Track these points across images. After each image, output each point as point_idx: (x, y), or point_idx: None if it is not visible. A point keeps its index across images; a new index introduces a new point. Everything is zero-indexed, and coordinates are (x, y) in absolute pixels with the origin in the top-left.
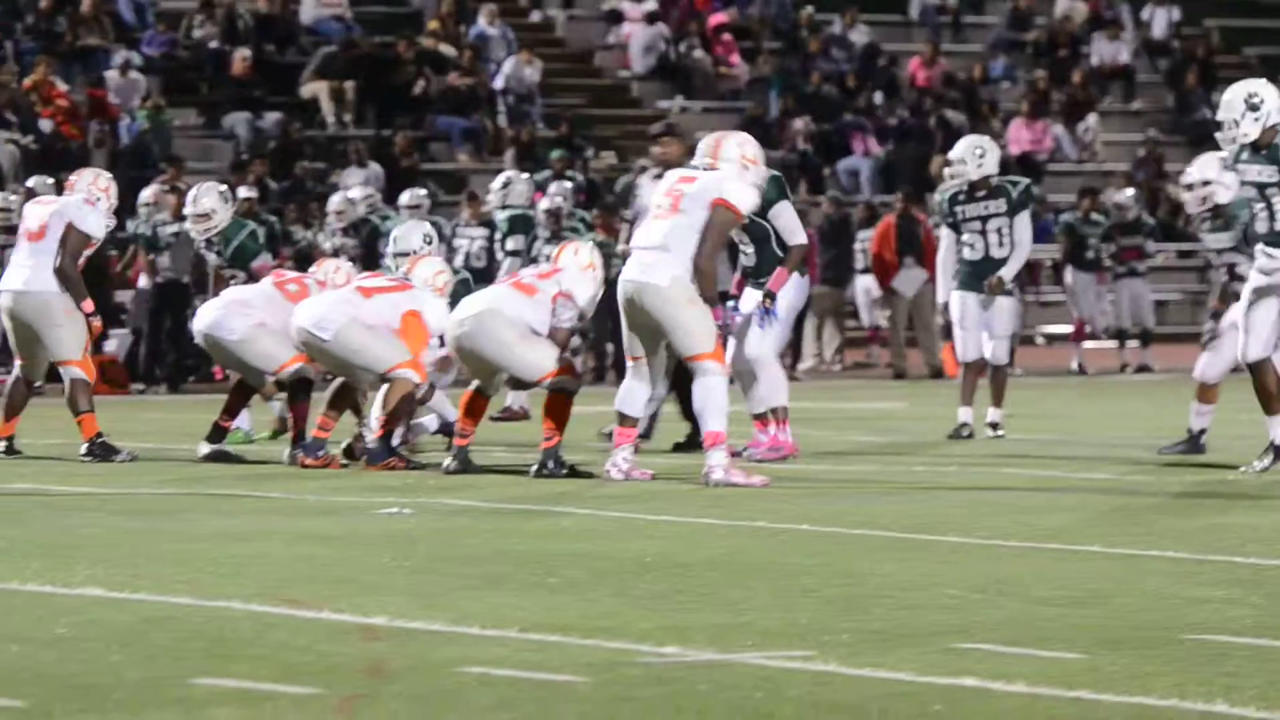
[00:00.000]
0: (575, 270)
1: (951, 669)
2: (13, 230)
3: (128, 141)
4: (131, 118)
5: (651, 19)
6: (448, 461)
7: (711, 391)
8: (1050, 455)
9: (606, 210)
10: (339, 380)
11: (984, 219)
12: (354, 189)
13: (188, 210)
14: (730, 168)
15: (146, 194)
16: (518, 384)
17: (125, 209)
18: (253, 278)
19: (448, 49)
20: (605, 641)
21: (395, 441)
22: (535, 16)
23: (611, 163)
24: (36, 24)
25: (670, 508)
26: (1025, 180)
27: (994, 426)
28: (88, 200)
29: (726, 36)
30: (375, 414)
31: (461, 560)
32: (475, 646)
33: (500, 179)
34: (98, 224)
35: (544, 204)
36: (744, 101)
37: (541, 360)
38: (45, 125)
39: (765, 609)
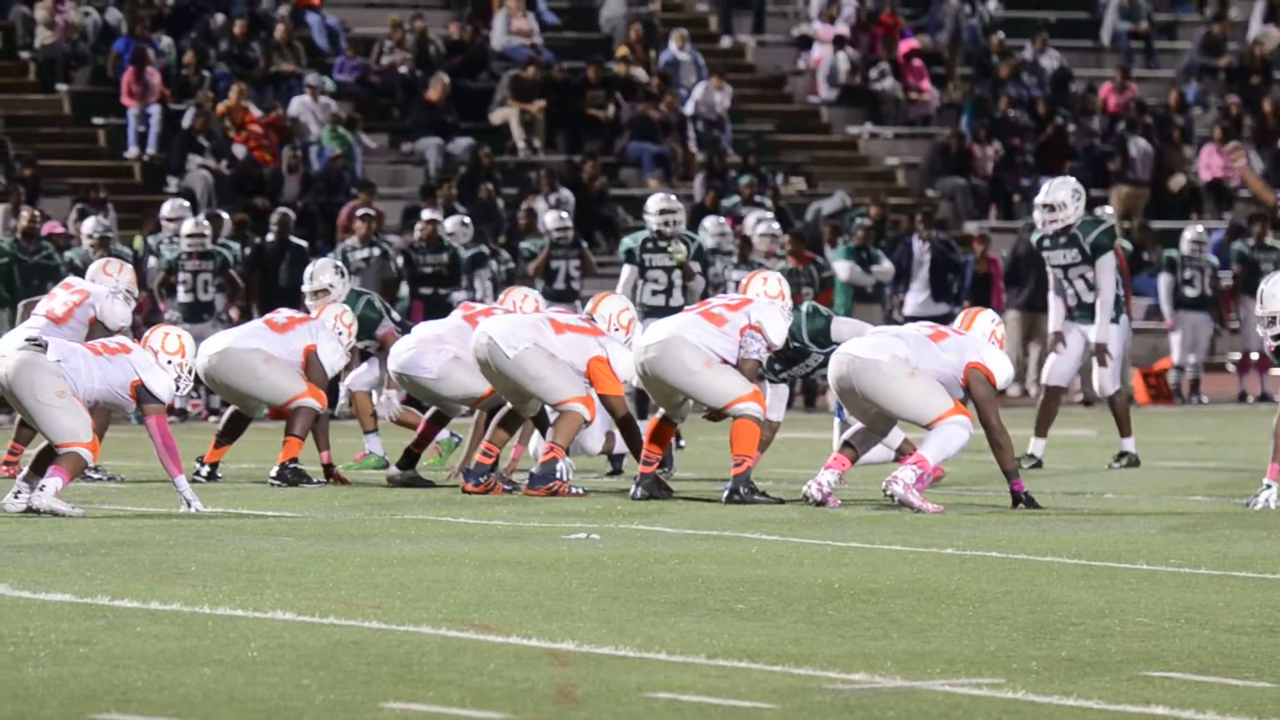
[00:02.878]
0: (765, 301)
1: (1141, 697)
2: (207, 256)
3: (319, 167)
4: (323, 143)
5: (841, 44)
6: (635, 488)
7: (953, 438)
8: (1240, 483)
9: (797, 238)
10: (506, 408)
11: (1065, 268)
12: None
13: (305, 287)
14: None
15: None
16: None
17: (318, 235)
18: (384, 347)
19: (638, 74)
20: (793, 668)
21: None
22: (725, 42)
23: (801, 189)
24: (230, 50)
25: (859, 534)
26: (1105, 222)
27: (1121, 456)
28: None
29: (917, 62)
30: (535, 442)
31: (649, 586)
32: (663, 672)
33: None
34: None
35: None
36: (933, 127)
37: (728, 387)
38: (238, 150)
39: (953, 636)
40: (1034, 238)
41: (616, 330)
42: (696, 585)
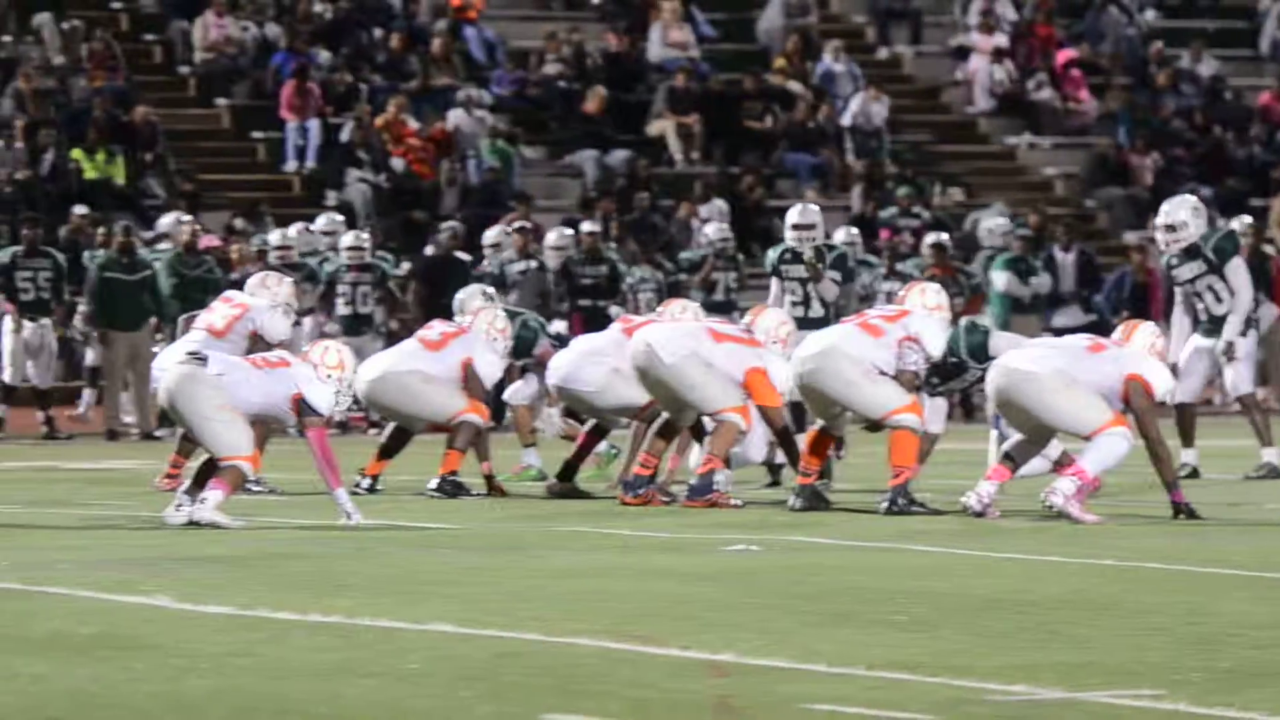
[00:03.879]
0: (923, 312)
1: None
2: (366, 268)
3: (477, 180)
4: (481, 156)
5: (999, 55)
6: (793, 499)
7: (1113, 450)
8: None
9: (939, 248)
10: (663, 418)
11: (1192, 280)
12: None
13: (456, 318)
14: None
15: (491, 235)
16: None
17: (477, 248)
18: (542, 364)
19: (795, 86)
20: (953, 679)
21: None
22: (883, 53)
23: (958, 199)
24: (388, 63)
25: (1018, 545)
26: (1224, 229)
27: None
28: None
29: (1075, 72)
30: (696, 453)
31: (808, 597)
32: (823, 683)
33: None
34: None
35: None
36: (1091, 137)
37: (886, 398)
38: (397, 164)
39: (1114, 647)
40: (1162, 261)
41: (774, 343)
42: (855, 596)
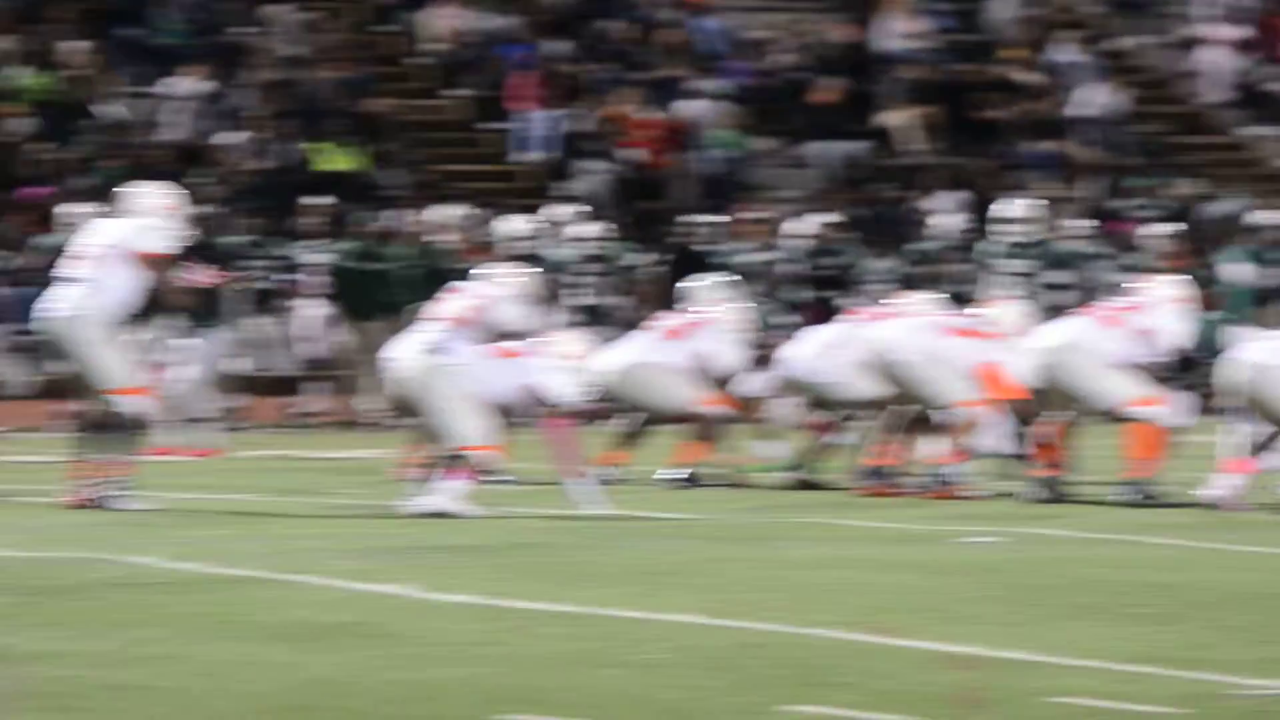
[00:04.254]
0: (1163, 305)
1: None
2: (598, 259)
3: (709, 170)
4: (713, 146)
5: (1234, 45)
6: (1028, 490)
7: None
8: None
9: (1173, 239)
10: (899, 409)
11: None
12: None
13: (689, 305)
14: None
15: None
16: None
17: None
18: (776, 356)
19: (1027, 76)
20: (1197, 673)
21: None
22: (1116, 43)
23: (1193, 190)
24: (620, 53)
25: (1261, 538)
26: None
27: None
28: None
29: None
30: (931, 445)
31: (1050, 589)
32: (1065, 676)
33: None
34: None
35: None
36: None
37: (1126, 390)
38: (629, 155)
39: None
40: None
41: (1011, 335)
42: (1097, 589)
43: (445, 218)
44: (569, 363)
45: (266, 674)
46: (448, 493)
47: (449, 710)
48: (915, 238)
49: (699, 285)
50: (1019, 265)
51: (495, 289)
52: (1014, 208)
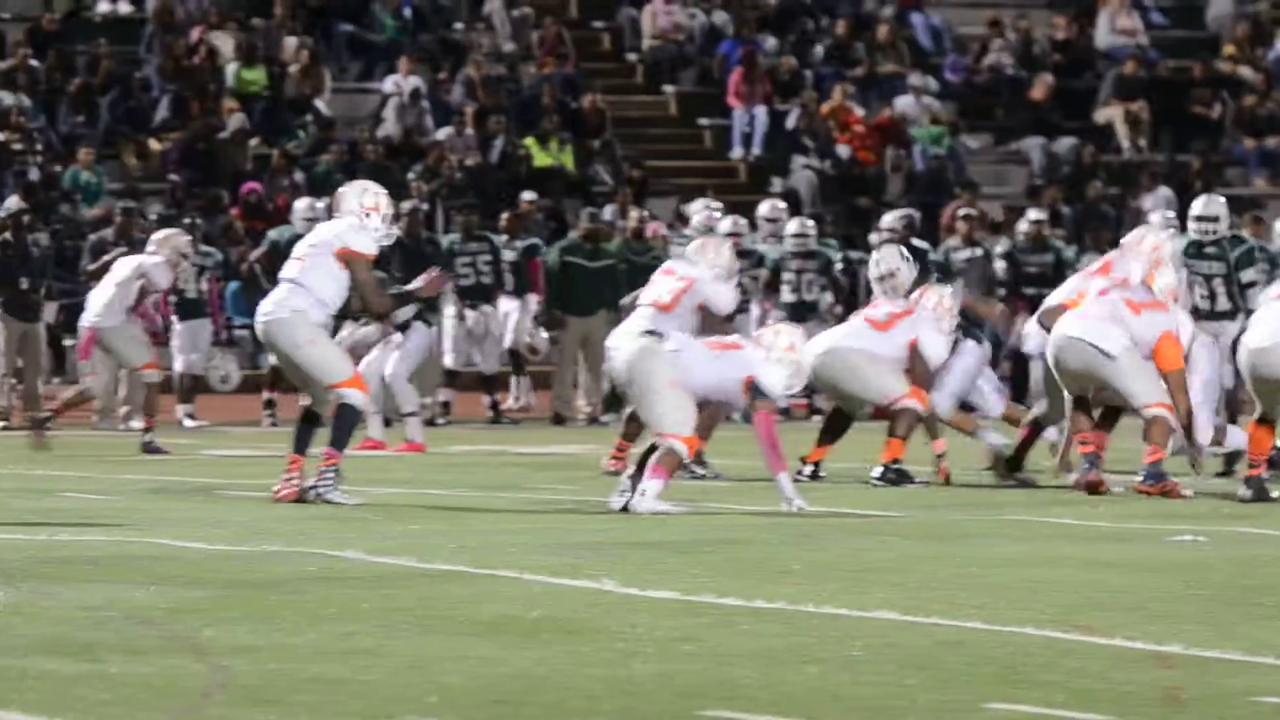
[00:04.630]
0: None
1: None
2: (810, 255)
3: (923, 166)
4: (923, 143)
5: None
6: (1242, 490)
7: None
8: None
9: None
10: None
11: None
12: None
13: (871, 273)
14: None
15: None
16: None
17: (922, 235)
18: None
19: (1245, 72)
20: None
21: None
22: None
23: None
24: (834, 50)
25: None
26: None
27: None
28: None
29: None
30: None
31: (1257, 589)
32: (1271, 676)
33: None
34: None
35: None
36: None
37: None
38: (842, 151)
39: None
40: None
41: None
42: None
43: (662, 214)
44: (784, 355)
45: (468, 669)
46: (649, 493)
47: (649, 706)
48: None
49: (872, 265)
50: (1209, 266)
51: (701, 269)
52: (1197, 206)
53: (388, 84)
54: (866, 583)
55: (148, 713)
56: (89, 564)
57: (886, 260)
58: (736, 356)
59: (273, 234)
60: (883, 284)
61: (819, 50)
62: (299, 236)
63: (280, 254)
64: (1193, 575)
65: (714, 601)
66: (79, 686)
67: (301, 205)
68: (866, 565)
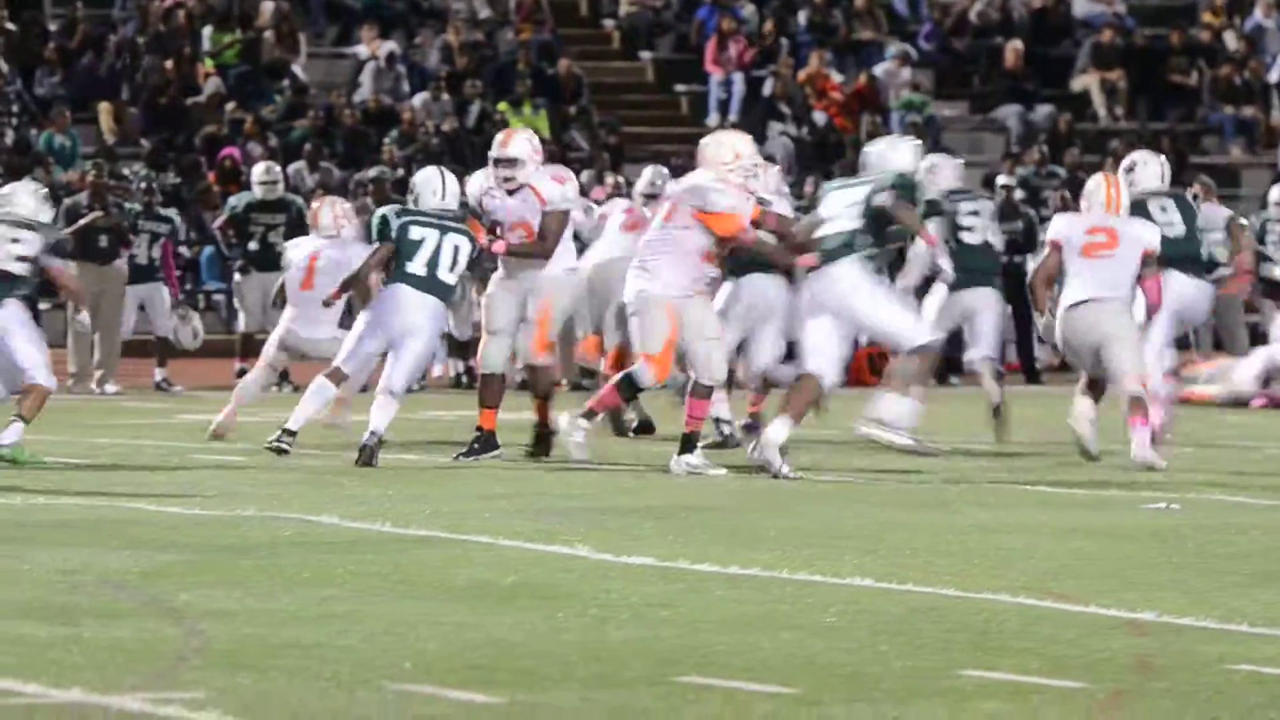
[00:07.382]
0: None
1: None
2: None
3: (898, 133)
4: (899, 110)
5: None
6: None
7: None
8: None
9: None
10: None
11: None
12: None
13: None
14: None
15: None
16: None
17: None
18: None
19: (1223, 41)
20: None
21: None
22: None
23: None
24: (813, 17)
25: None
26: None
27: None
28: None
29: None
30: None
31: (1231, 557)
32: (1245, 644)
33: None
34: None
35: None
36: None
37: None
38: (819, 118)
39: None
40: None
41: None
42: (1278, 557)
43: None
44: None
45: (443, 634)
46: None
47: (624, 671)
48: None
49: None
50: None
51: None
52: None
53: (361, 49)
54: (841, 549)
55: (123, 676)
56: (64, 528)
57: None
58: None
59: (232, 200)
60: None
61: (800, 18)
62: (258, 202)
63: (239, 220)
64: (1167, 543)
65: (689, 568)
66: (53, 650)
67: (259, 170)
68: (841, 532)
